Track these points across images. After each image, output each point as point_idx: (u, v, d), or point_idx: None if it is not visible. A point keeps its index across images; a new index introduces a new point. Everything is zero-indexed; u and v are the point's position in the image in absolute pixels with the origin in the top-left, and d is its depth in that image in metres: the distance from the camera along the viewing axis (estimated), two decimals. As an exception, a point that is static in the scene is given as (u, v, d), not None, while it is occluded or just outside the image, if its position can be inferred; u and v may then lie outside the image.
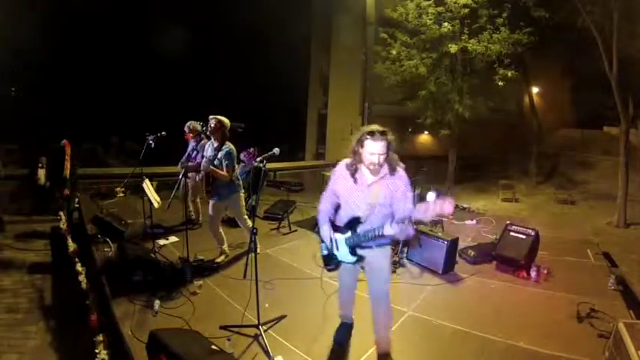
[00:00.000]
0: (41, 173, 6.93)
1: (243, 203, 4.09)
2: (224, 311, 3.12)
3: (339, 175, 2.44)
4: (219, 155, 3.81)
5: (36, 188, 6.87)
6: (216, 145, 3.89)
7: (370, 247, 2.40)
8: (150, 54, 23.49)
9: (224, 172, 3.76)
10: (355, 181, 2.37)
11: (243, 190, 4.08)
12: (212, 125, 3.82)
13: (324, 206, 2.55)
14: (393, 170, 2.35)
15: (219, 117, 3.85)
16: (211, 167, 3.70)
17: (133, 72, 24.67)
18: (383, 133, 2.26)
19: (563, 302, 3.36)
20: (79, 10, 20.52)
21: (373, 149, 2.25)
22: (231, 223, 5.22)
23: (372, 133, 2.25)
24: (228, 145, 3.86)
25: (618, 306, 3.29)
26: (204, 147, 4.80)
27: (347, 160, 2.41)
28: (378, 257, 2.46)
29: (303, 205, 6.63)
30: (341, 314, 2.93)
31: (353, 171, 2.37)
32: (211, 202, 4.01)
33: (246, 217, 4.10)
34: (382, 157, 2.27)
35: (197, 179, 4.02)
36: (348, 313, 2.90)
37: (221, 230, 4.17)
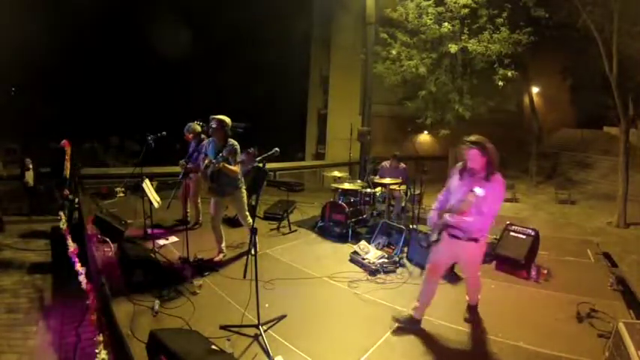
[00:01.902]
0: (28, 175, 6.94)
1: (246, 200, 4.11)
2: (224, 311, 3.12)
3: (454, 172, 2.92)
4: (224, 153, 3.81)
5: (27, 190, 6.88)
6: (219, 144, 3.90)
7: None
8: (150, 54, 23.50)
9: (234, 167, 3.79)
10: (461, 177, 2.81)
11: (244, 188, 4.10)
12: (214, 125, 3.83)
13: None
14: (486, 177, 2.64)
15: (220, 117, 3.86)
16: (222, 163, 3.69)
17: (133, 72, 24.69)
18: (473, 143, 2.65)
19: (563, 302, 3.35)
20: (80, 10, 20.52)
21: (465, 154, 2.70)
22: (232, 223, 5.24)
23: (463, 142, 2.71)
24: (232, 142, 3.86)
25: (618, 306, 3.28)
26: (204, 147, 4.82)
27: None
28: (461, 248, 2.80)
29: (303, 205, 6.63)
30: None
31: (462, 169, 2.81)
32: (214, 199, 4.03)
33: (247, 213, 4.12)
34: (474, 163, 2.65)
35: (204, 176, 4.01)
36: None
37: (221, 229, 4.18)
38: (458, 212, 2.65)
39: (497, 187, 2.64)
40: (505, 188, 2.72)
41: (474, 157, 2.65)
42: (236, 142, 3.89)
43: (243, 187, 4.06)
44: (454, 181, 2.86)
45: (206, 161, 3.81)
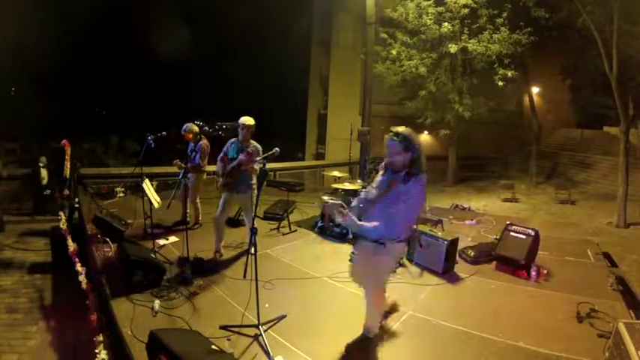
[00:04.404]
0: (44, 173, 6.93)
1: (255, 201, 4.15)
2: (224, 311, 3.12)
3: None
4: (249, 150, 3.96)
5: (38, 188, 6.87)
6: (242, 144, 4.06)
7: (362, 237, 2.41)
8: (150, 54, 23.51)
9: (255, 167, 3.96)
10: (383, 174, 2.49)
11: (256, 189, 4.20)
12: (241, 128, 4.03)
13: None
14: (407, 177, 2.29)
15: (246, 120, 4.05)
16: (244, 160, 3.87)
17: (132, 72, 24.69)
18: (395, 134, 2.29)
19: (563, 302, 3.35)
20: (80, 10, 20.52)
21: (386, 147, 2.34)
22: (232, 223, 5.24)
23: (387, 131, 2.32)
24: (255, 143, 4.07)
25: (618, 306, 3.28)
26: (202, 148, 4.85)
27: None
28: (363, 250, 2.49)
29: (303, 205, 6.63)
30: None
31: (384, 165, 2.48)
32: (224, 196, 4.12)
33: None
34: (395, 159, 2.31)
35: (224, 172, 4.19)
36: None
37: (224, 228, 4.23)
38: (361, 213, 2.37)
39: (414, 191, 2.26)
40: (423, 192, 2.33)
41: (396, 152, 2.29)
42: (258, 144, 4.07)
43: (255, 188, 4.16)
44: (378, 176, 2.52)
45: (240, 157, 3.93)
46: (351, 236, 2.54)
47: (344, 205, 2.26)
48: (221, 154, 4.23)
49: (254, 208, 3.77)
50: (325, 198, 2.36)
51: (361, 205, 2.50)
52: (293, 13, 19.95)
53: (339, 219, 2.24)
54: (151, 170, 7.71)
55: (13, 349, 3.06)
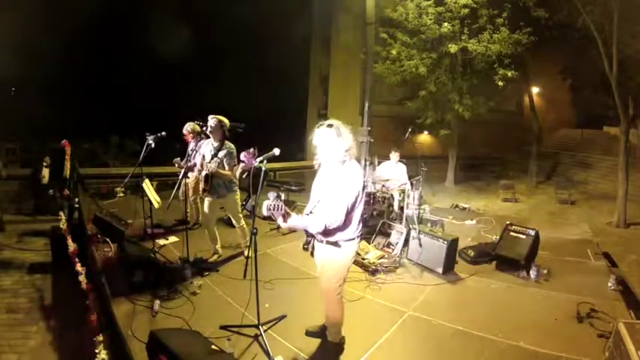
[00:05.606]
0: (46, 172, 6.93)
1: (239, 202, 4.13)
2: (224, 311, 3.12)
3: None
4: (219, 155, 3.82)
5: (39, 188, 6.87)
6: (215, 144, 3.90)
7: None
8: (150, 54, 23.50)
9: (228, 172, 3.81)
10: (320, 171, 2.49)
11: (239, 190, 4.12)
12: (212, 125, 3.84)
13: None
14: (340, 167, 2.31)
15: (218, 116, 3.87)
16: (216, 169, 3.72)
17: (132, 72, 24.70)
18: (327, 125, 2.30)
19: (563, 302, 3.36)
20: (80, 10, 20.52)
21: (317, 140, 2.32)
22: (231, 223, 5.23)
23: (319, 125, 2.33)
24: (229, 145, 3.89)
25: (618, 306, 3.28)
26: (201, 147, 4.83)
27: None
28: (322, 252, 2.47)
29: (303, 205, 6.62)
30: None
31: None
32: (208, 200, 4.03)
33: (241, 215, 4.16)
34: (322, 150, 2.31)
35: (200, 176, 4.02)
36: None
37: (215, 230, 4.18)
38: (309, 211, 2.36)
39: (343, 178, 2.23)
40: (354, 178, 2.25)
41: (328, 140, 2.26)
42: (232, 145, 3.92)
43: (237, 189, 4.09)
44: (318, 175, 2.56)
45: (206, 164, 3.81)
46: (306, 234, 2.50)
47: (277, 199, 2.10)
48: (200, 157, 4.09)
49: (251, 207, 3.75)
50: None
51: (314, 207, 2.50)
52: (293, 13, 19.93)
53: (280, 221, 2.14)
54: (151, 170, 7.71)
55: (13, 349, 3.05)
